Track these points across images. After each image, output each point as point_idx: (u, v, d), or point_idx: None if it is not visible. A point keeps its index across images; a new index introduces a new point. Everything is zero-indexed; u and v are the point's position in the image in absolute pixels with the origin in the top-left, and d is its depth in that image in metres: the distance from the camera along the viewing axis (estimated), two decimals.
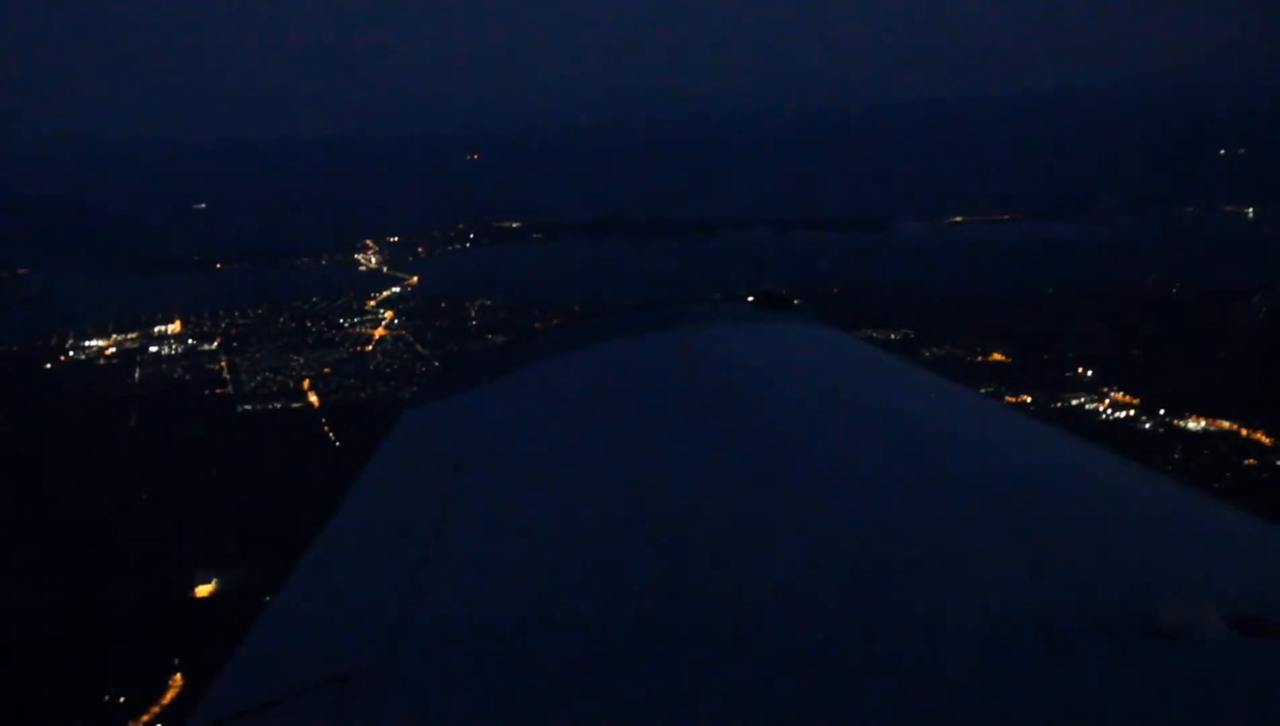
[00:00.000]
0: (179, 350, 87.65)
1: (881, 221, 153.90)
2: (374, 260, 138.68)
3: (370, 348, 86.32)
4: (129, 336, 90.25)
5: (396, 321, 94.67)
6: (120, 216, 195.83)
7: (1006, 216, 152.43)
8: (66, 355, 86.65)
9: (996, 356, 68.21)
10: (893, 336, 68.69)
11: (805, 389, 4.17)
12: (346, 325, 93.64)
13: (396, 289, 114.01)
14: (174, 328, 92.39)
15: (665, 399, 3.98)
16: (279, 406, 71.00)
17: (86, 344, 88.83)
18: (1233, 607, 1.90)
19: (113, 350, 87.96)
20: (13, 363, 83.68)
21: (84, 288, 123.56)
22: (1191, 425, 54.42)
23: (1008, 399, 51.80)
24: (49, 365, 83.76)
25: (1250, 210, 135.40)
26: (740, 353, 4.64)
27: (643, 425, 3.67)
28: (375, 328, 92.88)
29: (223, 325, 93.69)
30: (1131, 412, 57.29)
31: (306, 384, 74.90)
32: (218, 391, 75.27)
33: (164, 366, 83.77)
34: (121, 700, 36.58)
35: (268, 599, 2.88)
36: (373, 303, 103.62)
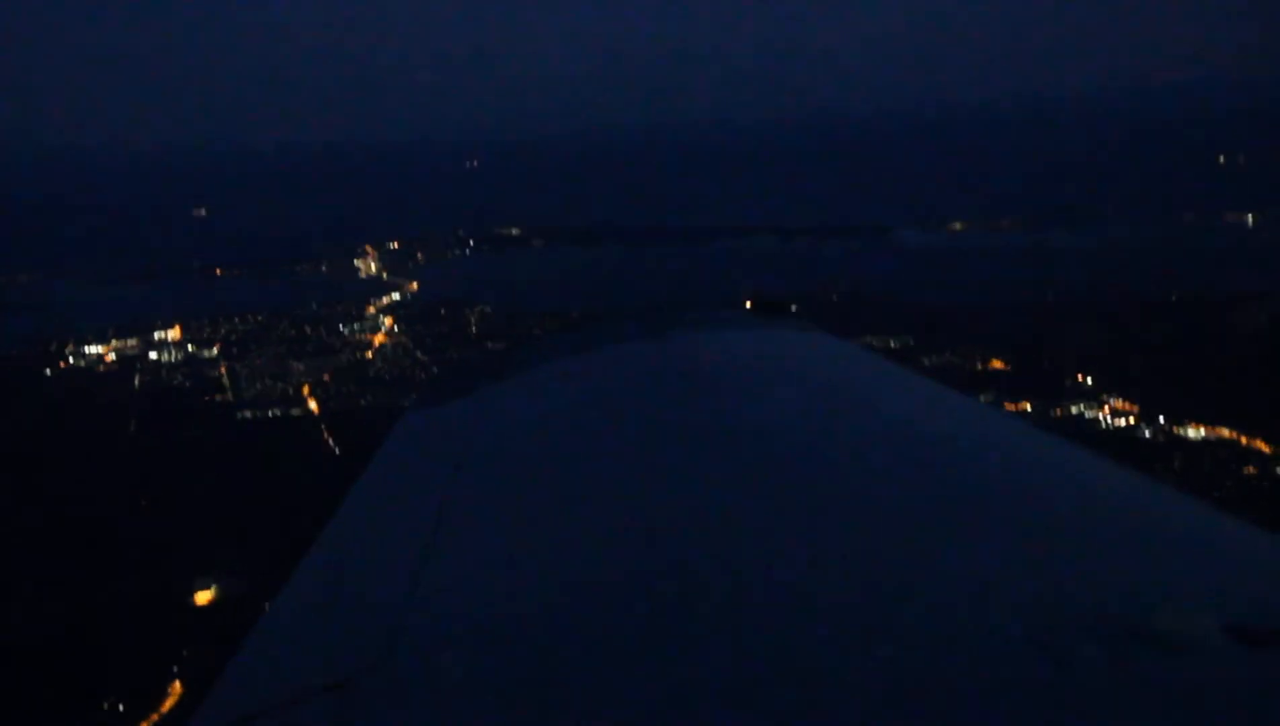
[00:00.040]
0: (179, 356, 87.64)
1: (882, 229, 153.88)
2: (373, 266, 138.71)
3: (370, 354, 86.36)
4: (129, 342, 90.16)
5: (396, 328, 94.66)
6: (120, 222, 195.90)
7: (1007, 224, 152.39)
8: (66, 361, 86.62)
9: (996, 364, 68.19)
10: (892, 343, 68.60)
11: (802, 395, 4.17)
12: (346, 331, 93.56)
13: (396, 295, 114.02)
14: (174, 334, 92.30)
15: (662, 405, 3.98)
16: (279, 413, 71.02)
17: (86, 350, 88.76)
18: (1230, 616, 1.90)
19: (113, 356, 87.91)
20: (13, 369, 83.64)
21: (84, 294, 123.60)
22: (1191, 433, 54.42)
23: (1007, 406, 51.82)
24: (49, 371, 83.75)
25: (1250, 217, 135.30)
26: (737, 359, 4.64)
27: (639, 431, 3.66)
28: (375, 334, 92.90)
29: (222, 331, 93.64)
30: (1131, 420, 57.30)
31: (306, 390, 74.91)
32: (217, 398, 75.30)
33: (164, 373, 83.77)
34: (121, 707, 36.55)
35: (267, 605, 2.89)
36: (372, 309, 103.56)
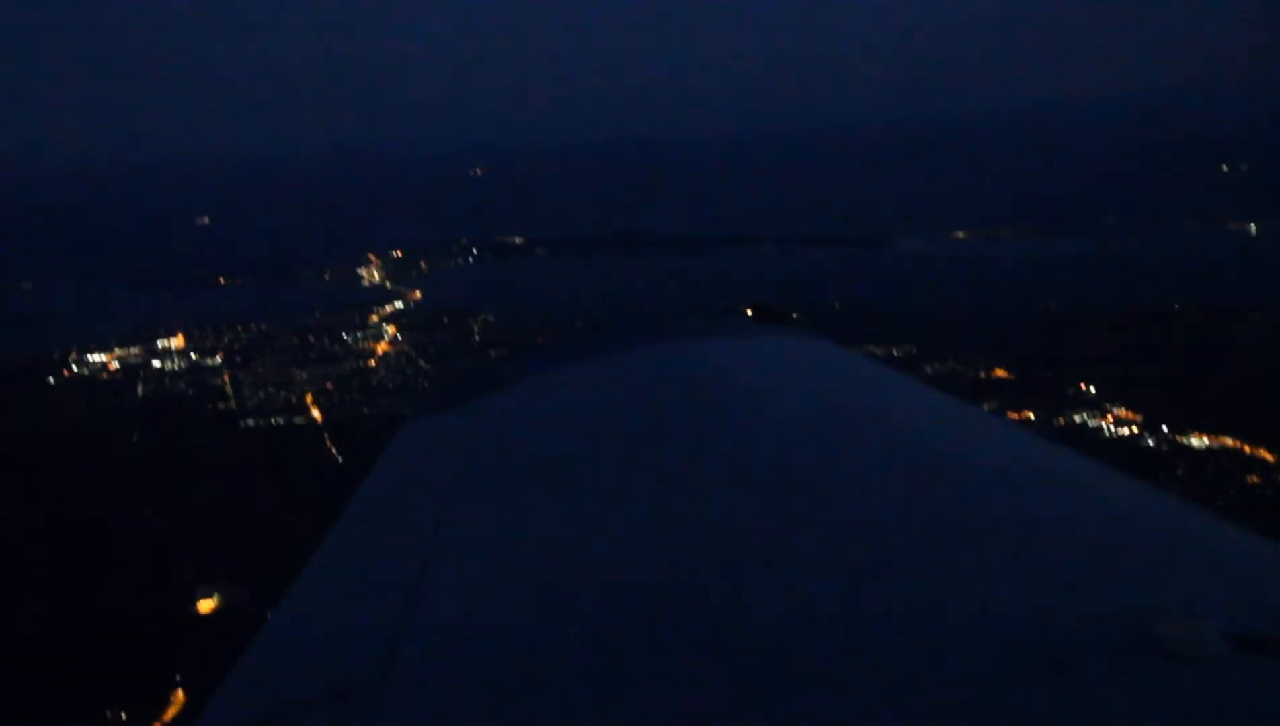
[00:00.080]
0: (182, 365, 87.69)
1: (883, 237, 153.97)
2: (377, 275, 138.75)
3: (373, 362, 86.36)
4: (132, 351, 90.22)
5: (399, 336, 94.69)
6: (124, 231, 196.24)
7: (1008, 232, 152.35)
8: (70, 370, 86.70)
9: (999, 372, 68.10)
10: (895, 352, 68.52)
11: (802, 402, 4.18)
12: (349, 340, 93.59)
13: (399, 304, 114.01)
14: (177, 342, 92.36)
15: (661, 413, 3.99)
16: (281, 421, 71.00)
17: (90, 358, 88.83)
18: (1231, 623, 1.90)
19: (116, 365, 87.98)
20: (16, 377, 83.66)
21: (87, 302, 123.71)
22: (1194, 442, 54.32)
23: (1010, 414, 51.75)
24: (52, 380, 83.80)
25: (1253, 226, 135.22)
26: (737, 366, 4.65)
27: (639, 439, 3.67)
28: (378, 342, 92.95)
29: (225, 340, 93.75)
30: (1134, 429, 57.20)
31: (309, 399, 74.89)
32: (220, 406, 75.31)
33: (167, 381, 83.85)
34: (124, 715, 36.52)
35: (269, 614, 2.89)
36: (375, 317, 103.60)
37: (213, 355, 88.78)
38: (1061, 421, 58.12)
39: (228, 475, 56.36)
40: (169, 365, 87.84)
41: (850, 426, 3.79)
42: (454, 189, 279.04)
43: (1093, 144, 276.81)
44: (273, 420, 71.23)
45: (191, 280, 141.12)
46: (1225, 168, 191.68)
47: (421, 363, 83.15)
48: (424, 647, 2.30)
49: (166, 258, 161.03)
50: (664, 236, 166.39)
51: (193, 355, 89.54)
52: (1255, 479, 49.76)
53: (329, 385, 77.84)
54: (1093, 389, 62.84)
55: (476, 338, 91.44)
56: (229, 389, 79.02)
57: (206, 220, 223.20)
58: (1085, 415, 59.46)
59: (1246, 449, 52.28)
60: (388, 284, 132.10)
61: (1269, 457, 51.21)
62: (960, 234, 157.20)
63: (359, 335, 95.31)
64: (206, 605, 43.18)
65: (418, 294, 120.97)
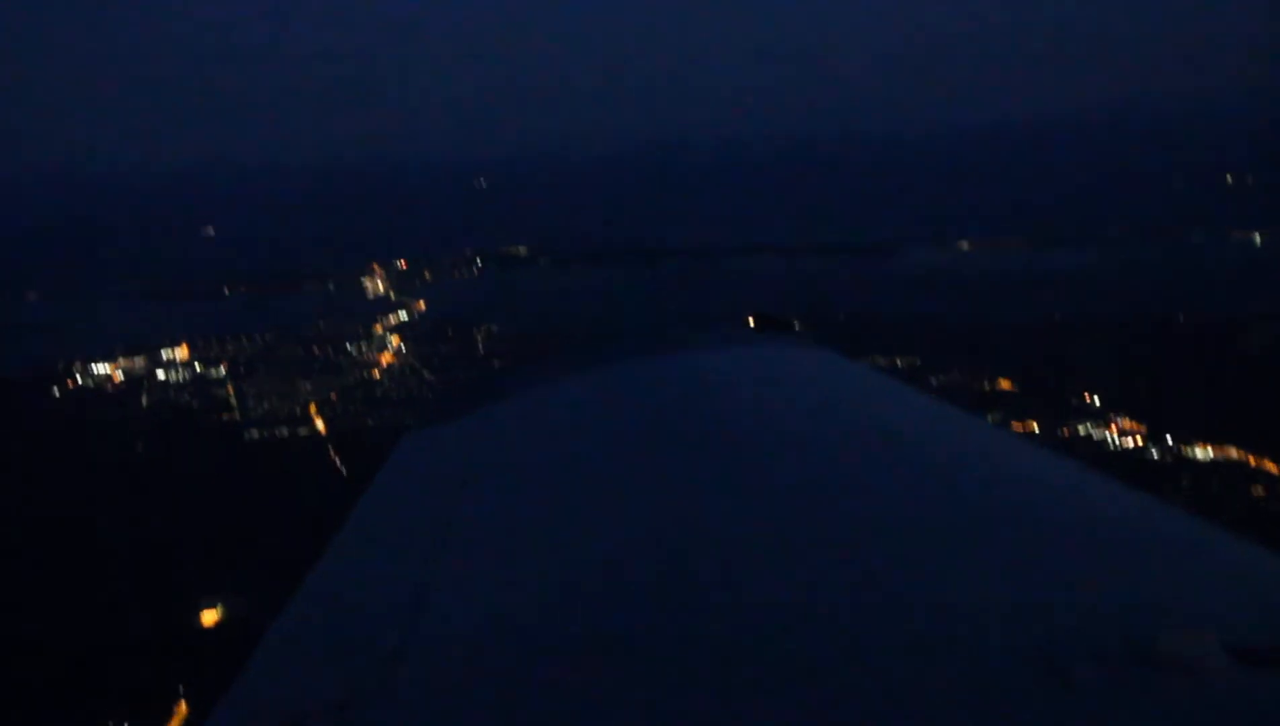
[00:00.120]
0: (186, 376, 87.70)
1: (889, 247, 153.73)
2: (381, 285, 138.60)
3: (377, 373, 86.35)
4: (136, 362, 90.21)
5: (403, 347, 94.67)
6: (128, 242, 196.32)
7: (1014, 242, 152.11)
8: (74, 380, 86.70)
9: (1003, 383, 68.04)
10: (899, 362, 68.50)
11: (804, 411, 4.18)
12: (353, 351, 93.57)
13: (404, 314, 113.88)
14: (181, 353, 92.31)
15: (661, 422, 4.00)
16: (285, 432, 71.00)
17: (94, 369, 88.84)
18: (1233, 636, 1.90)
19: (120, 376, 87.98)
20: (21, 388, 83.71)
21: (92, 312, 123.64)
22: (1199, 453, 54.23)
23: (1014, 426, 51.69)
24: (57, 390, 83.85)
25: (1257, 236, 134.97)
26: (740, 376, 4.66)
27: (639, 448, 3.68)
28: (382, 353, 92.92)
29: (230, 350, 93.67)
30: (1138, 440, 57.11)
31: (313, 409, 74.88)
32: (224, 417, 75.32)
33: (171, 392, 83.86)
34: None
35: (271, 624, 2.88)
36: (380, 328, 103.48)
37: (217, 366, 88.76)
38: (1066, 432, 58.05)
39: (231, 486, 56.37)
40: (173, 376, 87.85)
41: (849, 435, 3.79)
42: (458, 199, 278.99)
43: (1098, 154, 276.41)
44: (277, 431, 71.22)
45: (196, 290, 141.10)
46: (1230, 178, 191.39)
47: (425, 373, 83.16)
48: (425, 657, 2.30)
49: (171, 268, 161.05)
50: (668, 246, 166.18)
51: (197, 366, 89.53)
52: (1260, 490, 49.66)
53: (333, 396, 77.84)
54: (1097, 400, 62.77)
55: (481, 348, 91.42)
56: (233, 399, 79.03)
57: (211, 230, 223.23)
58: (1089, 426, 59.39)
59: (1251, 460, 52.19)
60: (392, 294, 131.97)
61: (1274, 469, 51.11)
62: (965, 244, 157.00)
63: (363, 346, 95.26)
64: (210, 616, 43.16)
65: (422, 304, 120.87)
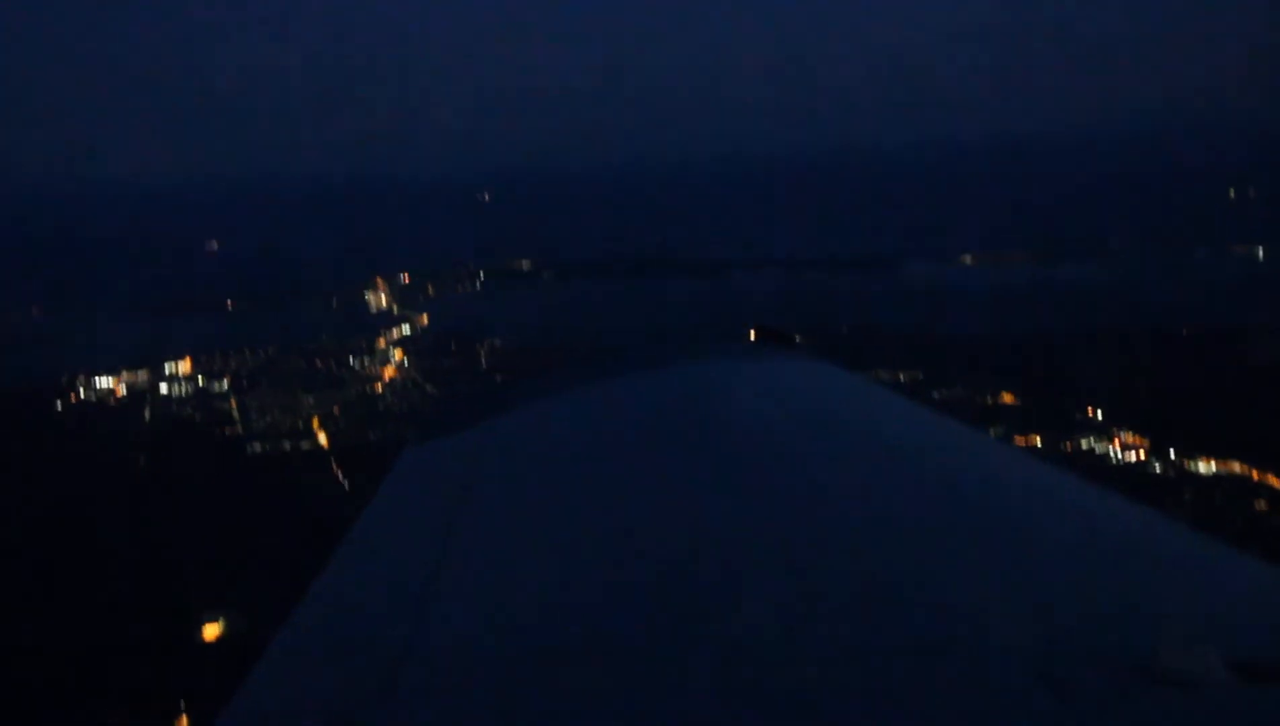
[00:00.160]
0: (189, 390, 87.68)
1: (891, 262, 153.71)
2: (384, 300, 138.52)
3: (380, 387, 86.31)
4: (139, 376, 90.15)
5: (406, 361, 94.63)
6: (132, 256, 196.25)
7: (1016, 257, 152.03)
8: (77, 394, 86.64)
9: (1006, 397, 67.96)
10: (902, 377, 68.44)
11: (804, 424, 4.18)
12: (356, 365, 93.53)
13: (407, 328, 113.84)
14: (184, 367, 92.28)
15: (661, 435, 4.00)
16: (288, 446, 70.95)
17: (97, 383, 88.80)
18: (1235, 650, 1.90)
19: (123, 389, 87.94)
20: (23, 401, 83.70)
21: (94, 327, 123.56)
22: (1202, 467, 54.11)
23: (1017, 440, 51.63)
24: (59, 404, 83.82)
25: (1260, 250, 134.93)
26: (741, 390, 4.66)
27: (639, 460, 3.68)
28: (385, 367, 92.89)
29: (233, 364, 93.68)
30: (1141, 454, 57.01)
31: (316, 423, 74.85)
32: (227, 431, 75.29)
33: (174, 406, 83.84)
34: None
35: (272, 638, 2.88)
36: (383, 342, 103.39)
37: (220, 379, 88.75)
38: (1069, 446, 57.96)
39: (234, 500, 56.34)
40: (176, 390, 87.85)
41: (850, 448, 3.79)
42: (461, 213, 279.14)
43: (1100, 168, 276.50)
44: (279, 445, 71.19)
45: (199, 304, 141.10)
46: (1232, 192, 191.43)
47: (428, 387, 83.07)
48: (428, 668, 2.30)
49: (174, 282, 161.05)
50: (671, 260, 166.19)
51: (200, 380, 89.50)
52: (1263, 504, 49.56)
53: (336, 410, 77.79)
54: (1100, 414, 62.68)
55: (484, 362, 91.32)
56: (236, 413, 79.01)
57: (214, 244, 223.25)
58: (1092, 440, 59.30)
59: (1255, 474, 52.08)
60: (395, 308, 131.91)
61: (1277, 483, 50.99)
62: (967, 258, 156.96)
63: (366, 360, 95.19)
64: (212, 630, 43.10)
65: (425, 318, 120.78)
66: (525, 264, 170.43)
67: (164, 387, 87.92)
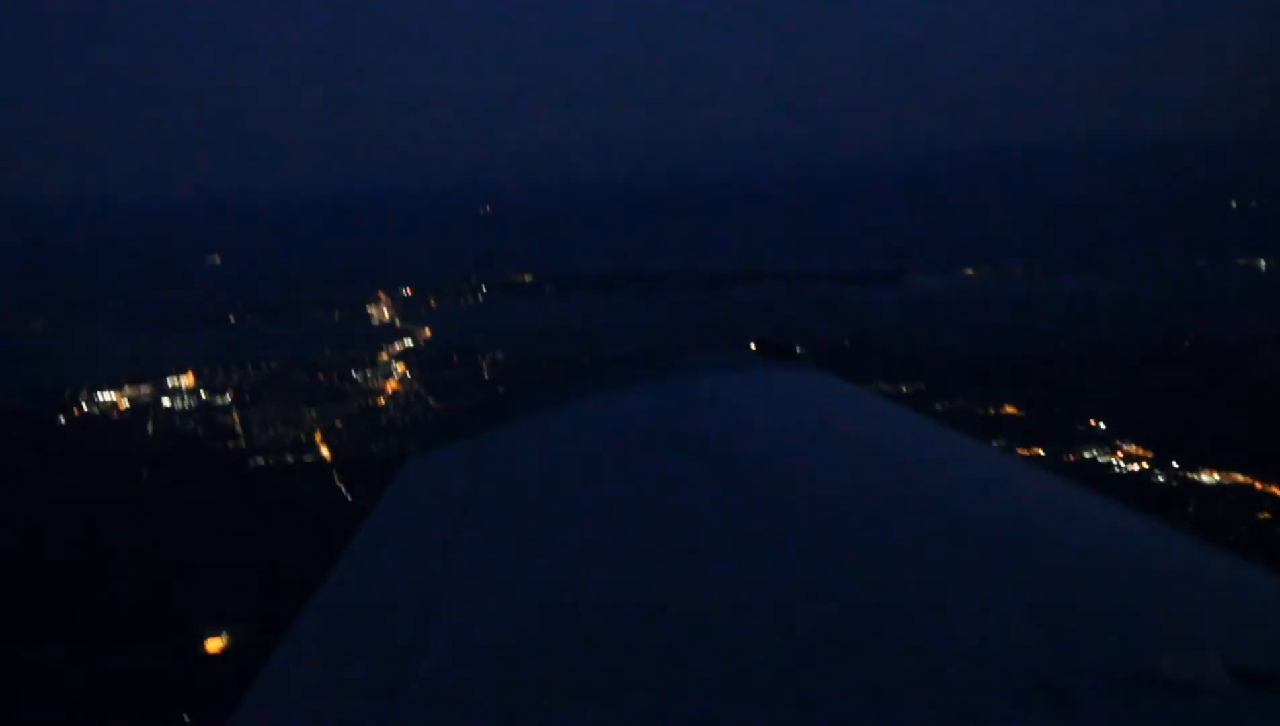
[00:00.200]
0: (192, 403, 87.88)
1: (893, 274, 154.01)
2: (386, 313, 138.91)
3: (382, 400, 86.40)
4: (142, 389, 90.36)
5: (409, 374, 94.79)
6: (134, 270, 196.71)
7: (1018, 269, 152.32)
8: (80, 408, 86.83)
9: (1009, 409, 67.98)
10: (904, 389, 68.47)
11: (805, 435, 4.19)
12: (359, 378, 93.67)
13: (409, 342, 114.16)
14: (187, 381, 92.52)
15: (663, 446, 4.01)
16: (291, 459, 71.00)
17: (100, 397, 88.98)
18: (1238, 658, 1.90)
19: (126, 403, 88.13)
20: (27, 415, 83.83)
21: (97, 341, 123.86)
22: (1205, 478, 54.08)
23: (1019, 451, 51.59)
24: (62, 418, 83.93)
25: (1262, 262, 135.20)
26: (741, 401, 4.67)
27: (641, 472, 3.69)
28: (388, 380, 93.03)
29: (235, 378, 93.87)
30: (1144, 466, 56.98)
31: (319, 437, 74.91)
32: (230, 444, 75.36)
33: (177, 419, 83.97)
34: None
35: (271, 652, 2.88)
36: (385, 355, 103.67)
37: (222, 393, 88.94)
38: (1071, 458, 57.94)
39: (237, 513, 56.35)
40: (179, 403, 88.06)
41: (849, 457, 3.80)
42: (463, 227, 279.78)
43: (1102, 181, 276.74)
44: (282, 458, 71.24)
45: (202, 318, 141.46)
46: (1234, 205, 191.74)
47: (431, 400, 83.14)
48: (429, 681, 2.30)
49: (177, 296, 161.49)
50: (673, 273, 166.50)
51: (202, 393, 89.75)
52: (1266, 514, 49.54)
53: (338, 423, 77.88)
54: (1102, 425, 62.67)
55: (486, 375, 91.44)
56: (238, 427, 79.12)
57: (217, 258, 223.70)
58: (1095, 452, 59.28)
59: (1258, 485, 52.06)
60: (397, 322, 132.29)
61: None
62: (970, 271, 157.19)
63: (368, 373, 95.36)
64: (215, 644, 43.07)
65: (427, 331, 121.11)
66: (527, 277, 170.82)
67: (166, 401, 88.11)
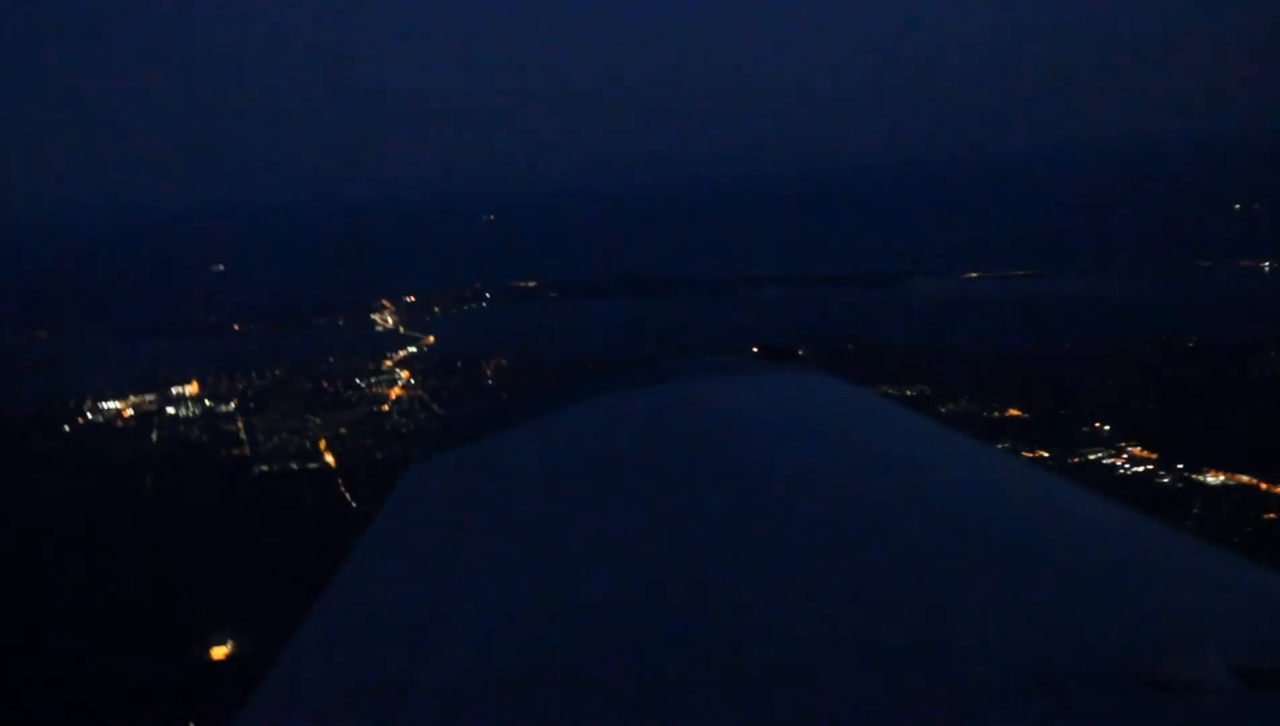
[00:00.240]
0: (196, 412, 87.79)
1: (896, 277, 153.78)
2: (390, 320, 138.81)
3: (387, 408, 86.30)
4: (146, 398, 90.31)
5: (413, 381, 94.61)
6: (139, 279, 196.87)
7: (1022, 272, 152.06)
8: (85, 417, 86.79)
9: (1013, 412, 67.82)
10: (908, 392, 68.36)
11: (808, 437, 4.19)
12: (363, 385, 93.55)
13: (413, 349, 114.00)
14: (191, 389, 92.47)
15: (664, 448, 4.01)
16: (296, 467, 70.95)
17: (104, 406, 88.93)
18: (1240, 658, 1.90)
19: (130, 412, 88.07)
20: (30, 425, 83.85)
21: (102, 350, 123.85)
22: (1210, 479, 53.95)
23: (1024, 454, 51.49)
24: (67, 427, 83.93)
25: (1266, 264, 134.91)
26: (744, 403, 4.68)
27: (643, 475, 3.69)
28: (392, 388, 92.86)
29: (240, 386, 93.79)
30: (1149, 467, 56.86)
31: (323, 444, 74.85)
32: (234, 452, 75.31)
33: (181, 428, 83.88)
34: None
35: (276, 659, 2.88)
36: (389, 363, 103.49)
37: (227, 401, 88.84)
38: (1076, 460, 57.80)
39: (242, 521, 56.33)
40: (183, 412, 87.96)
41: (851, 459, 3.80)
42: (466, 235, 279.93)
43: (1105, 183, 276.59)
44: (287, 466, 71.19)
45: (206, 327, 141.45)
46: (1238, 206, 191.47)
47: (435, 407, 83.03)
48: (432, 685, 2.31)
49: (181, 305, 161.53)
50: (676, 279, 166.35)
51: (207, 401, 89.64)
52: (1272, 515, 49.44)
53: (342, 430, 77.80)
54: (1107, 427, 62.55)
55: (490, 381, 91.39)
56: (243, 435, 79.03)
57: (221, 267, 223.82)
58: (1100, 453, 59.15)
59: (1263, 485, 51.96)
60: (401, 329, 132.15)
61: None
62: (974, 273, 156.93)
63: (372, 380, 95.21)
64: (220, 651, 43.07)
65: (431, 338, 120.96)
66: (530, 283, 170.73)
67: (171, 409, 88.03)
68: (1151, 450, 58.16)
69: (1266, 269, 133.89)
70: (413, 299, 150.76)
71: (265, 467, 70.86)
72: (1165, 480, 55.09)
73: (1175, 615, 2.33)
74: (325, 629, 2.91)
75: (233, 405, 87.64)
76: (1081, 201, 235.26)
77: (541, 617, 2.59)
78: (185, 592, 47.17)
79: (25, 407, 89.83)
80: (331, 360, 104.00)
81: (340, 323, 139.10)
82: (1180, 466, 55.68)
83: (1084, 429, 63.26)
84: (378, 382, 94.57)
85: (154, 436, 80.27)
